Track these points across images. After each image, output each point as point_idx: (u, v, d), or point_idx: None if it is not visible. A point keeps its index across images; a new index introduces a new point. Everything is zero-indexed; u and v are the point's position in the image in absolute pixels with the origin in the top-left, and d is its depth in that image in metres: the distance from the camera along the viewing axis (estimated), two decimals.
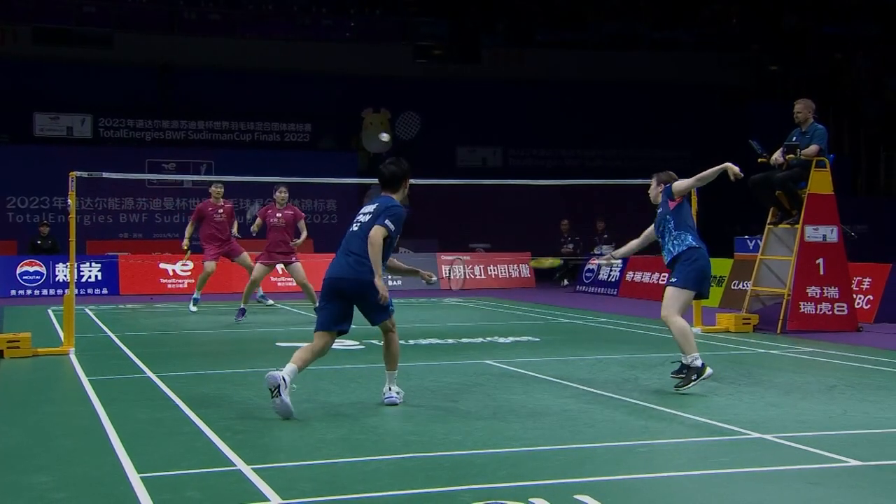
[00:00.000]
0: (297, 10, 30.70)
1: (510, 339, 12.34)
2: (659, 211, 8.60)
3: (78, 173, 10.97)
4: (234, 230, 15.69)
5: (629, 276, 20.38)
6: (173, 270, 21.38)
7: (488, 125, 29.82)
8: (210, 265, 15.48)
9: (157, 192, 26.92)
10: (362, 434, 6.62)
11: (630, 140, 30.41)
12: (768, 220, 13.73)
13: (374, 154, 27.82)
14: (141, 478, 5.40)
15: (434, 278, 8.25)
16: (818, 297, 13.00)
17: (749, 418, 7.04)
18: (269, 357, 10.33)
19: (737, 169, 8.54)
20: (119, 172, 13.42)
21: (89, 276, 20.93)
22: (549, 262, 10.56)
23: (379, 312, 7.42)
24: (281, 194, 14.63)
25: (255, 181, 16.26)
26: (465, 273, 9.45)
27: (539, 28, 31.86)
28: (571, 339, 12.68)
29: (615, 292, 20.53)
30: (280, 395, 6.96)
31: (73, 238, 10.97)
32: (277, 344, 11.67)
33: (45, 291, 20.46)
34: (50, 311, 16.16)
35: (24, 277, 20.59)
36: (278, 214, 14.58)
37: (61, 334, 11.50)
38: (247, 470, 5.57)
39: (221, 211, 15.60)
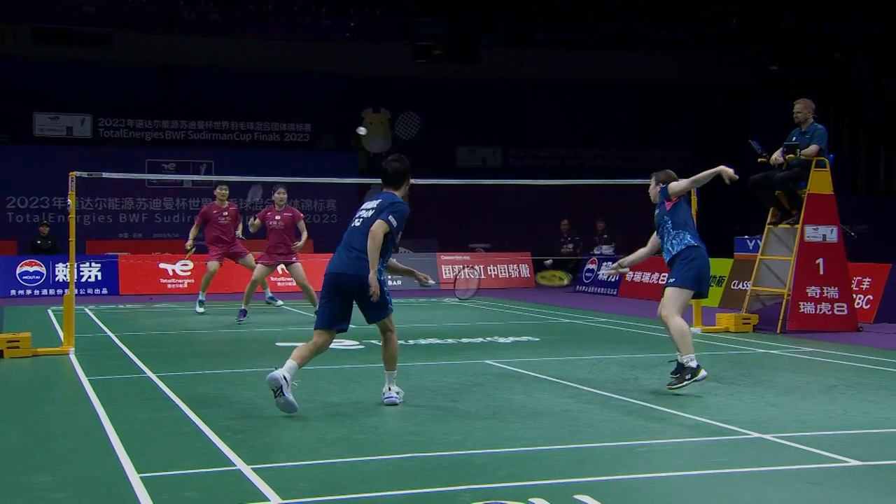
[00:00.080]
0: (297, 10, 30.71)
1: (510, 339, 12.34)
2: (657, 212, 8.61)
3: (78, 173, 10.97)
4: (239, 232, 15.69)
5: (629, 276, 20.36)
6: (173, 270, 21.39)
7: (488, 125, 29.81)
8: (213, 265, 15.51)
9: (157, 192, 26.91)
10: (362, 434, 6.62)
11: (630, 140, 30.41)
12: (768, 220, 13.73)
13: (374, 154, 27.83)
14: (141, 478, 5.41)
15: (431, 281, 8.18)
16: (818, 297, 13.00)
17: (749, 418, 7.04)
18: (268, 357, 10.33)
19: (731, 171, 8.52)
20: (119, 172, 13.43)
21: (89, 276, 20.93)
22: (557, 278, 10.32)
23: (377, 310, 7.40)
24: (279, 195, 14.62)
25: (255, 181, 16.27)
26: (477, 276, 9.35)
27: (539, 28, 31.87)
28: (571, 339, 12.68)
29: (615, 292, 20.53)
30: (283, 394, 7.00)
31: (72, 238, 10.97)
32: (277, 344, 11.67)
33: (44, 291, 20.47)
34: (50, 311, 16.17)
35: (24, 277, 20.59)
36: (277, 217, 14.56)
37: (61, 334, 11.50)
38: (246, 470, 5.57)
39: (226, 213, 15.61)
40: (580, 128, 30.30)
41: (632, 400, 7.84)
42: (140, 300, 19.31)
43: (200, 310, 15.57)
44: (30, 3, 28.05)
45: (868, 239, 20.23)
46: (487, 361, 10.14)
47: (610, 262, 22.49)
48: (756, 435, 6.50)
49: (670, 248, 8.44)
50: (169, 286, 21.19)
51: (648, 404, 7.65)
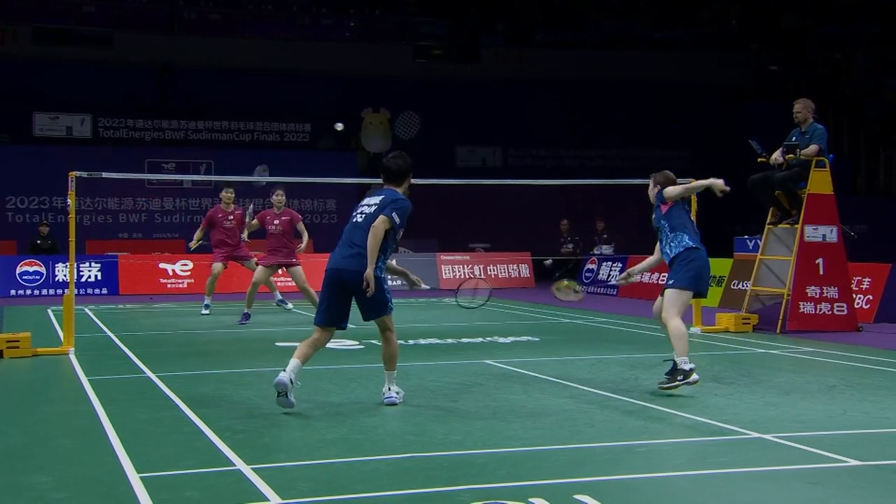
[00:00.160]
0: (297, 10, 30.71)
1: (510, 339, 12.34)
2: (654, 215, 8.63)
3: (78, 173, 10.97)
4: (244, 235, 15.67)
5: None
6: (173, 270, 21.39)
7: (488, 125, 29.81)
8: (217, 266, 15.51)
9: (157, 192, 26.92)
10: (362, 434, 6.62)
11: (630, 140, 30.41)
12: (768, 220, 13.73)
13: (373, 154, 27.83)
14: (140, 478, 5.41)
15: (424, 286, 8.13)
16: (818, 297, 13.00)
17: (748, 418, 7.04)
18: (268, 357, 10.34)
19: (721, 183, 8.49)
20: (119, 172, 13.40)
21: (89, 276, 20.93)
22: (574, 292, 10.14)
23: (375, 309, 7.39)
24: (278, 198, 14.58)
25: (255, 181, 16.27)
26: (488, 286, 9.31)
27: (539, 28, 31.87)
28: (571, 339, 12.68)
29: (615, 292, 20.53)
30: (287, 396, 7.13)
31: (72, 238, 10.97)
32: (277, 344, 11.66)
33: (44, 291, 20.47)
34: (49, 311, 16.17)
35: (24, 277, 20.59)
36: (275, 222, 14.50)
37: (61, 334, 11.50)
38: (246, 470, 5.57)
39: (231, 217, 15.60)
40: (580, 128, 30.30)
41: (631, 400, 7.84)
42: (140, 300, 19.31)
43: (206, 312, 15.57)
44: (30, 3, 28.05)
45: (868, 239, 20.25)
46: (487, 361, 10.14)
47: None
48: (756, 435, 6.50)
49: (668, 251, 8.47)
50: (169, 286, 21.19)
51: (648, 404, 7.65)
